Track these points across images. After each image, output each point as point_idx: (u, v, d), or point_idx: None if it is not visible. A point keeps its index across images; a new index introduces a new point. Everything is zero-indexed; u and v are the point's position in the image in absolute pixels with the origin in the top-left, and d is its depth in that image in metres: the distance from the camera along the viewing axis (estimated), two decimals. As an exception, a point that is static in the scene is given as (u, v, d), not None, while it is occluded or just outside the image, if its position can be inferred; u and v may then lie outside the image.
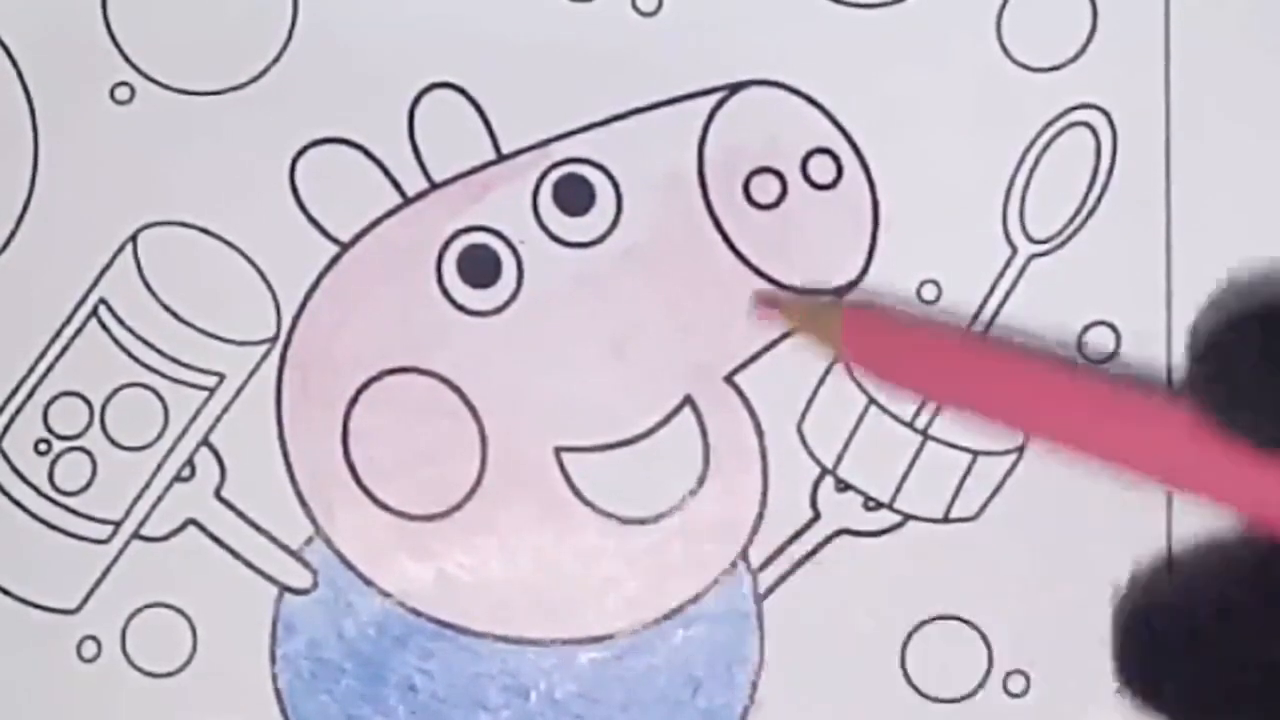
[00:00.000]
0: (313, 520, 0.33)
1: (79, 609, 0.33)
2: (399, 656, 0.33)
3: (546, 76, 0.33)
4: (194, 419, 0.33)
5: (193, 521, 0.33)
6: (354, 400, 0.33)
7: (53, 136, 0.33)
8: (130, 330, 0.33)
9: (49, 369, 0.33)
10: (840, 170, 0.33)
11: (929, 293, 0.33)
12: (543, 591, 0.33)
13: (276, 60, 0.33)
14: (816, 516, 0.33)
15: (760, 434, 0.33)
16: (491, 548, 0.33)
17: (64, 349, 0.33)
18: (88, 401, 0.33)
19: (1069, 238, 0.33)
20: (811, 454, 0.33)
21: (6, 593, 0.33)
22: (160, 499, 0.33)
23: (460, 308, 0.33)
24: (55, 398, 0.33)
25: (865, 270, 0.33)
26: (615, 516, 0.33)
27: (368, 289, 0.33)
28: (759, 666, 0.33)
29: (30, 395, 0.33)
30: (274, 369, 0.33)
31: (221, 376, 0.33)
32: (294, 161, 0.33)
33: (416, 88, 0.33)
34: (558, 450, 0.33)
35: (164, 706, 0.33)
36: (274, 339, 0.33)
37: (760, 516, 0.33)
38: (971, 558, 0.32)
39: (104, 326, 0.33)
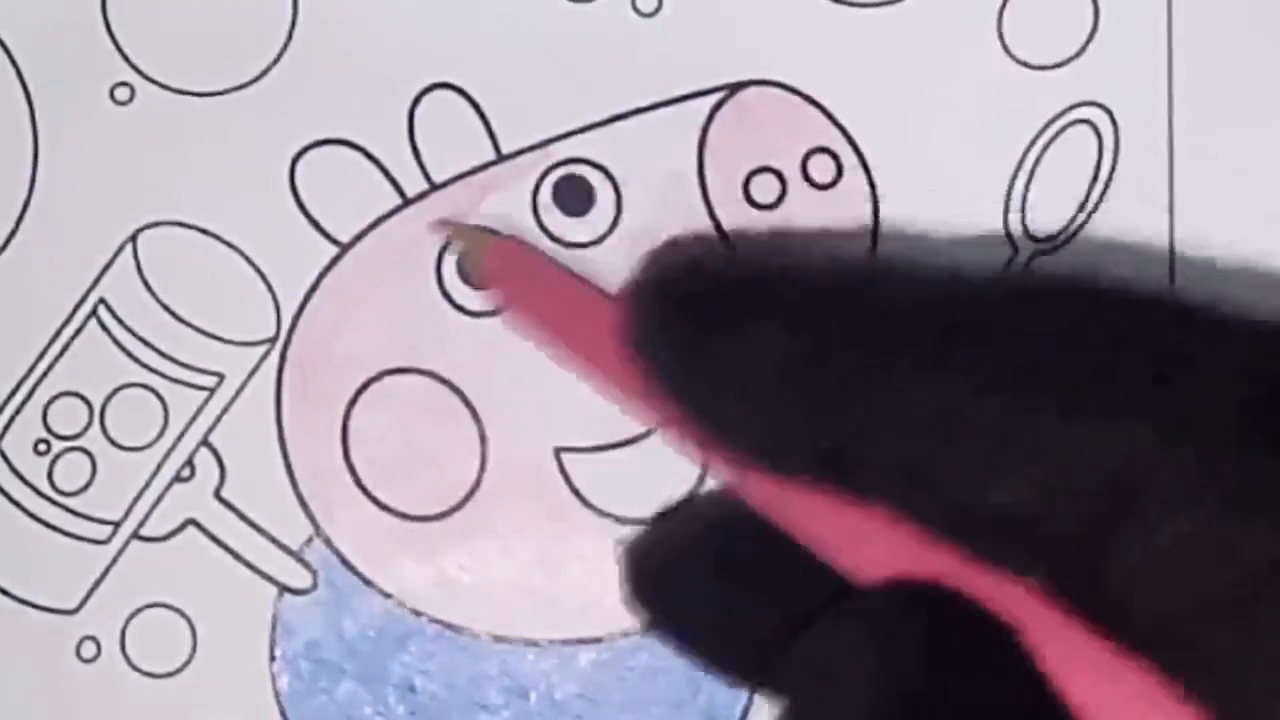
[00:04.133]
0: (313, 520, 0.33)
1: (79, 609, 0.33)
2: (399, 656, 0.33)
3: (546, 76, 0.33)
4: (194, 419, 0.33)
5: (193, 521, 0.33)
6: (354, 400, 0.33)
7: (53, 136, 0.33)
8: (130, 330, 0.33)
9: (49, 369, 0.33)
10: (840, 170, 0.33)
11: (930, 292, 0.32)
12: (543, 592, 0.33)
13: (276, 60, 0.33)
14: (817, 516, 0.33)
15: (760, 433, 0.33)
16: (491, 548, 0.33)
17: (64, 349, 0.33)
18: (87, 401, 0.33)
19: (1071, 236, 0.32)
20: (812, 453, 0.33)
21: (6, 593, 0.33)
22: (160, 499, 0.33)
23: (460, 308, 0.33)
24: (55, 398, 0.33)
25: (866, 269, 0.33)
26: (615, 517, 0.33)
27: (368, 289, 0.33)
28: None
29: (30, 395, 0.33)
30: (274, 369, 0.33)
31: (221, 376, 0.33)
32: (294, 162, 0.33)
33: (416, 88, 0.33)
34: (558, 451, 0.33)
35: (164, 706, 0.33)
36: (274, 339, 0.33)
37: (761, 516, 0.33)
38: (973, 557, 0.32)
39: (104, 326, 0.33)
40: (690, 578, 0.23)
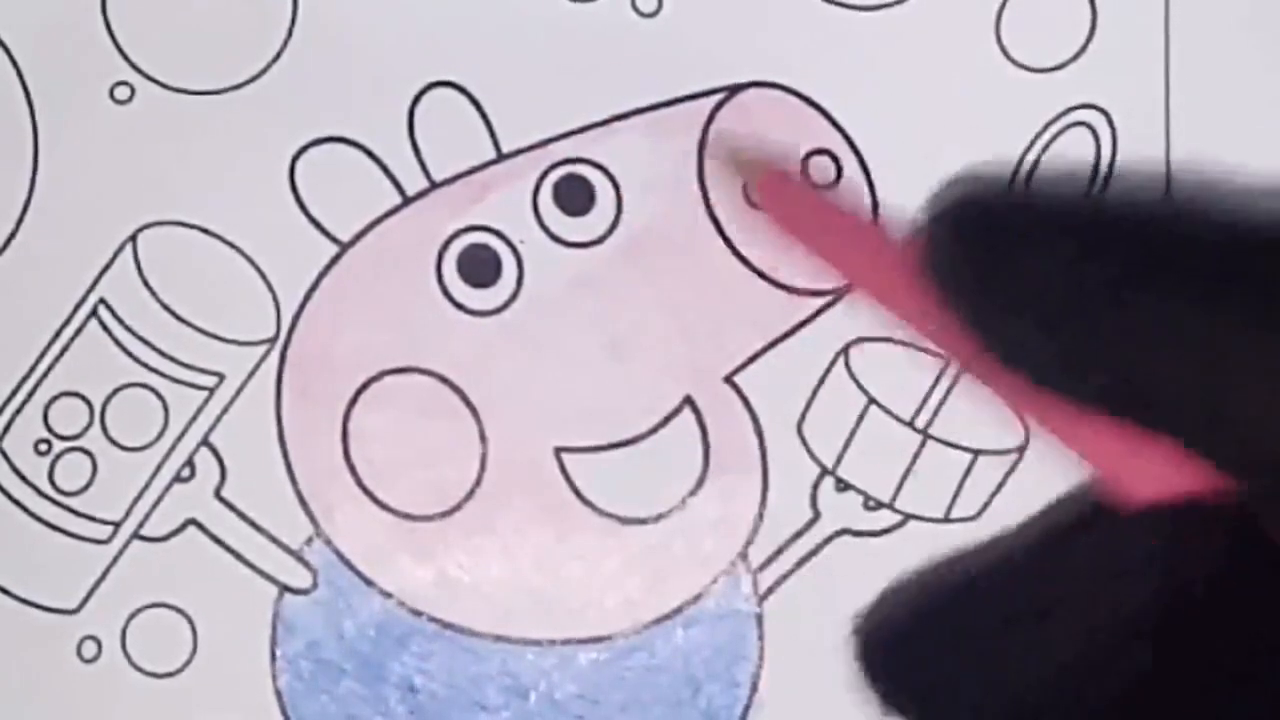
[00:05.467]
0: (313, 520, 0.33)
1: (79, 609, 0.33)
2: (399, 656, 0.33)
3: (546, 76, 0.33)
4: (194, 419, 0.33)
5: (193, 521, 0.33)
6: (354, 400, 0.33)
7: (53, 136, 0.33)
8: (130, 330, 0.33)
9: (49, 369, 0.33)
10: (840, 171, 0.33)
11: (929, 293, 0.33)
12: (543, 592, 0.33)
13: (276, 60, 0.33)
14: (817, 516, 0.33)
15: (760, 434, 0.33)
16: (492, 548, 0.33)
17: (64, 349, 0.33)
18: (88, 401, 0.33)
19: (1068, 238, 0.33)
20: (811, 454, 0.33)
21: (6, 593, 0.33)
22: (160, 499, 0.33)
23: (460, 307, 0.33)
24: (55, 398, 0.33)
25: (865, 270, 0.33)
26: (615, 517, 0.33)
27: (368, 289, 0.33)
28: (759, 666, 0.33)
29: (30, 395, 0.33)
30: (274, 369, 0.33)
31: (221, 376, 0.33)
32: (294, 161, 0.33)
33: (416, 87, 0.33)
34: (558, 450, 0.33)
35: (164, 706, 0.33)
36: (274, 339, 0.33)
37: (760, 516, 0.33)
38: (971, 558, 0.32)
39: (104, 326, 0.33)
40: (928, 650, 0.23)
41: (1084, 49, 0.33)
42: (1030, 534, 0.21)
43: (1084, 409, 0.21)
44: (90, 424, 0.33)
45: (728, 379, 0.33)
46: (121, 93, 0.33)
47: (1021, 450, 0.33)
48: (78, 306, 0.33)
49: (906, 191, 0.33)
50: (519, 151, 0.33)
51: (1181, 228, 0.21)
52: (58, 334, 0.33)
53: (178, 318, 0.33)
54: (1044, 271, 0.21)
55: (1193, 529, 0.21)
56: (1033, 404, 0.22)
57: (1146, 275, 0.20)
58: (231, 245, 0.33)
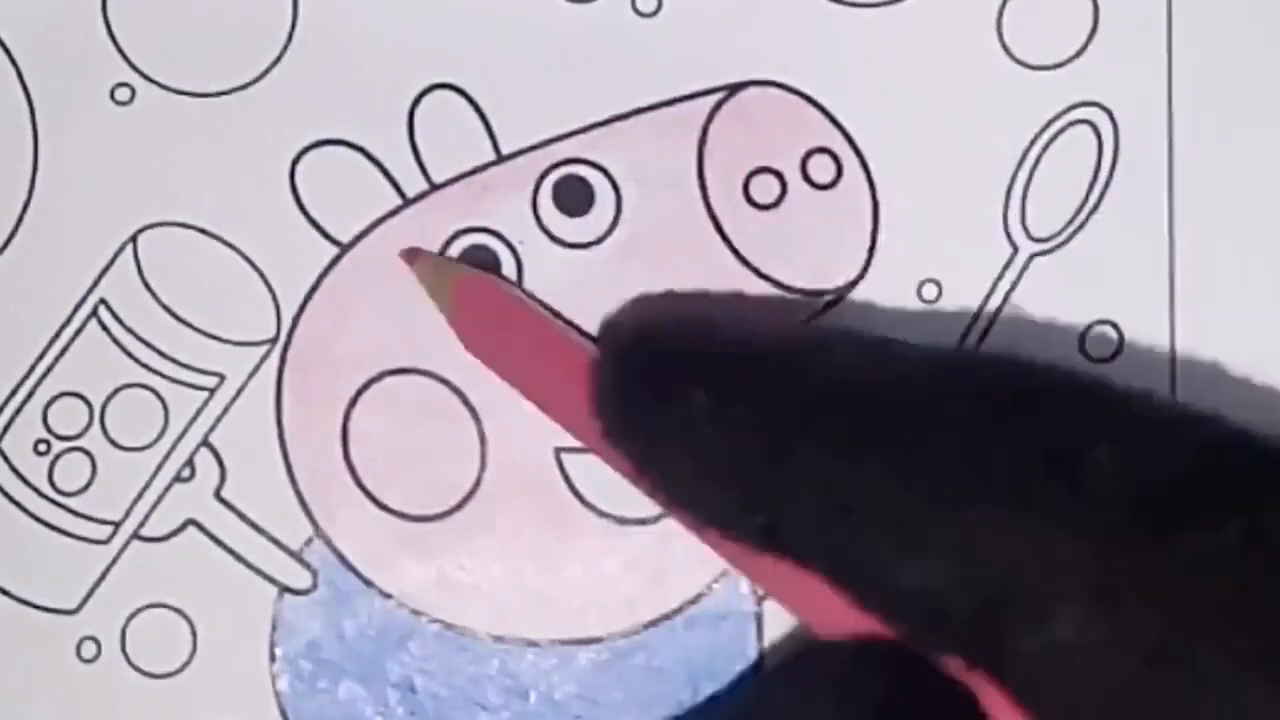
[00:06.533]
0: (313, 521, 0.33)
1: (79, 609, 0.33)
2: (399, 656, 0.33)
3: (546, 76, 0.33)
4: (194, 419, 0.33)
5: (193, 522, 0.33)
6: (354, 401, 0.33)
7: (53, 136, 0.33)
8: (130, 330, 0.33)
9: (49, 369, 0.33)
10: (840, 170, 0.33)
11: (929, 292, 0.33)
12: (543, 592, 0.33)
13: (276, 61, 0.33)
14: (817, 516, 0.33)
15: (760, 433, 0.33)
16: (491, 549, 0.33)
17: (64, 349, 0.33)
18: (88, 402, 0.33)
19: (1071, 236, 0.32)
20: (812, 453, 0.33)
21: (6, 593, 0.33)
22: (160, 499, 0.33)
23: (460, 308, 0.33)
24: (55, 398, 0.33)
25: (865, 270, 0.33)
26: (615, 517, 0.33)
27: (368, 289, 0.33)
28: (759, 666, 0.33)
29: (30, 395, 0.33)
30: (274, 369, 0.33)
31: (221, 377, 0.33)
32: (294, 163, 0.33)
33: (416, 88, 0.33)
34: (558, 451, 0.33)
35: (164, 706, 0.33)
36: (274, 339, 0.33)
37: (760, 516, 0.33)
38: (972, 557, 0.32)
39: (104, 327, 0.33)
40: None
41: (1086, 46, 0.33)
42: (758, 674, 0.22)
43: (752, 548, 0.21)
44: (90, 424, 0.33)
45: (728, 378, 0.33)
46: (122, 94, 0.33)
47: (1023, 449, 0.32)
48: (78, 306, 0.33)
49: (907, 190, 0.33)
50: (518, 153, 0.33)
51: (828, 379, 0.20)
52: (58, 334, 0.33)
53: (178, 318, 0.33)
54: (684, 412, 0.21)
55: (868, 665, 0.20)
56: (709, 539, 0.22)
57: (774, 415, 0.20)
58: (232, 247, 0.33)
